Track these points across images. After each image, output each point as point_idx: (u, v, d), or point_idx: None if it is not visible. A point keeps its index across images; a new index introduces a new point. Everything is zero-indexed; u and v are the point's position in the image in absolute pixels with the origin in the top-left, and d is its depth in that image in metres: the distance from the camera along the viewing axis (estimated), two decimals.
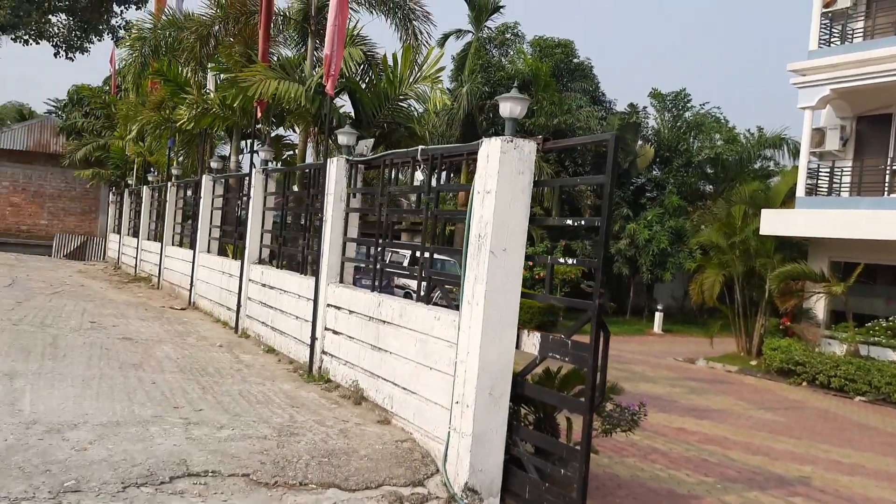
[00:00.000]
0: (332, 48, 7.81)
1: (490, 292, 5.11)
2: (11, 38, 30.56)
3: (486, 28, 31.80)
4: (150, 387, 6.79)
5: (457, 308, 6.03)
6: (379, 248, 7.19)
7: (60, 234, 28.01)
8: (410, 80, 9.44)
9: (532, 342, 5.25)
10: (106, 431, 5.30)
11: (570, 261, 5.60)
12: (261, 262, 10.64)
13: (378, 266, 7.20)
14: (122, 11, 31.10)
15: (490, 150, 5.22)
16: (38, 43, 29.11)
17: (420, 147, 6.37)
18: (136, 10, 30.27)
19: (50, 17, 28.89)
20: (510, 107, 5.32)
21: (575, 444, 5.50)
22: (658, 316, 26.70)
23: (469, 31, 31.37)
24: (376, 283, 7.18)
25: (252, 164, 10.77)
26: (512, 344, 5.23)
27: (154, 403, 6.22)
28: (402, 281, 16.88)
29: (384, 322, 6.62)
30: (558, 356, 5.06)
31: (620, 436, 6.94)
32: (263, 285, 10.02)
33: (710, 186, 33.79)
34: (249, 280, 10.53)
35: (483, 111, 27.82)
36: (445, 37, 29.99)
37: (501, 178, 5.12)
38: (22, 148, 27.96)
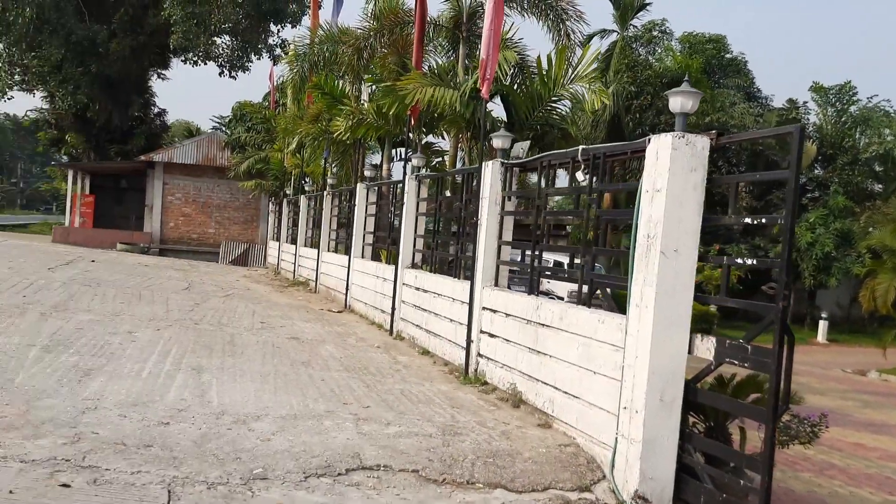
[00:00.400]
0: (488, 52, 7.89)
1: (660, 295, 4.95)
2: (182, 60, 33.44)
3: (631, 26, 31.12)
4: (320, 383, 7.12)
5: (607, 310, 5.91)
6: (536, 252, 7.17)
7: (226, 242, 30.12)
8: (564, 81, 9.38)
9: (706, 347, 5.03)
10: (285, 424, 5.60)
11: (749, 261, 5.32)
12: (414, 266, 10.91)
13: (534, 269, 7.18)
14: (278, 30, 33.22)
15: (660, 147, 5.07)
16: (205, 63, 31.66)
17: (580, 147, 6.28)
18: (292, 28, 32.22)
19: (215, 39, 31.29)
20: (681, 101, 5.14)
21: (752, 454, 5.22)
22: (822, 324, 24.94)
23: (614, 31, 30.81)
24: (533, 287, 7.16)
25: (405, 171, 11.08)
26: (684, 348, 5.04)
27: (325, 399, 6.51)
28: (546, 286, 16.74)
29: (543, 325, 6.58)
30: (736, 362, 4.81)
31: (793, 449, 6.52)
32: (417, 289, 10.26)
33: (880, 185, 31.22)
34: (403, 284, 10.81)
35: (629, 111, 27.18)
36: (589, 37, 29.52)
37: (672, 175, 4.95)
38: (192, 162, 30.36)
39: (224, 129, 37.96)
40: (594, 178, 6.08)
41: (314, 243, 19.01)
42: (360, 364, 8.41)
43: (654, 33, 32.46)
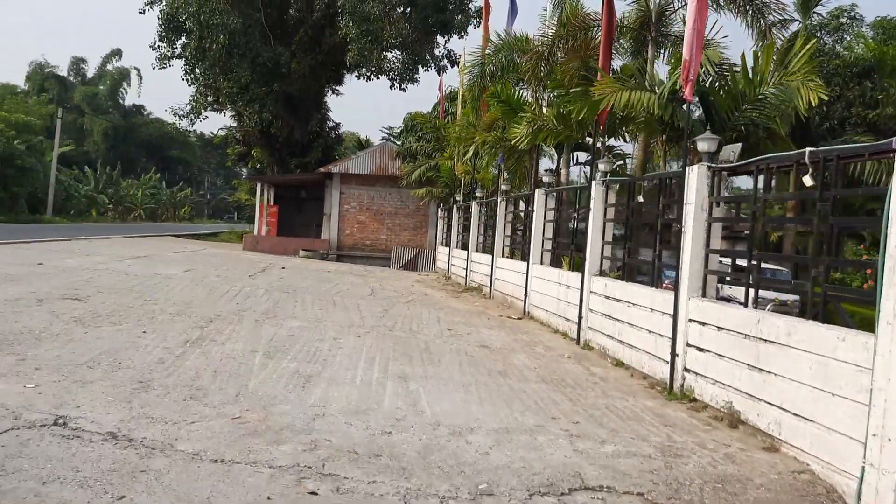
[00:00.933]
0: (691, 52, 7.54)
1: None
2: (356, 76, 35.06)
3: (814, 14, 28.82)
4: (522, 395, 7.09)
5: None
6: (754, 262, 6.73)
7: (396, 248, 31.19)
8: (771, 77, 8.76)
9: None
10: (499, 437, 5.60)
11: None
12: (601, 273, 10.65)
13: (753, 280, 6.74)
14: (445, 42, 33.99)
15: None
16: (377, 78, 32.96)
17: (808, 149, 5.81)
18: (459, 38, 32.87)
19: (386, 53, 32.51)
20: None
21: None
22: None
23: (795, 20, 28.68)
24: (750, 299, 6.73)
25: (591, 176, 10.86)
26: None
27: (532, 412, 6.46)
28: (727, 292, 15.77)
29: (765, 341, 6.14)
30: None
31: None
32: (607, 297, 10.00)
33: None
34: (591, 292, 10.59)
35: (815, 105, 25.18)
36: (767, 28, 27.70)
37: None
38: (366, 172, 31.73)
39: (393, 139, 39.40)
40: (832, 182, 5.59)
41: (486, 249, 19.17)
42: (555, 375, 8.30)
43: (843, 20, 29.87)
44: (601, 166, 10.63)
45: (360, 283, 18.33)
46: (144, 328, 8.44)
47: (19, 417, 4.91)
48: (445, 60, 34.30)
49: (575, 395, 7.38)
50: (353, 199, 31.73)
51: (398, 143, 34.34)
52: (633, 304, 9.10)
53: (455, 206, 24.39)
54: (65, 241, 23.30)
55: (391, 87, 33.32)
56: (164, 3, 33.37)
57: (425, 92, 41.70)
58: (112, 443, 4.65)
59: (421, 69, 34.23)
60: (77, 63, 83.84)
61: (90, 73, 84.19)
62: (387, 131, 42.94)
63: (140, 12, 34.82)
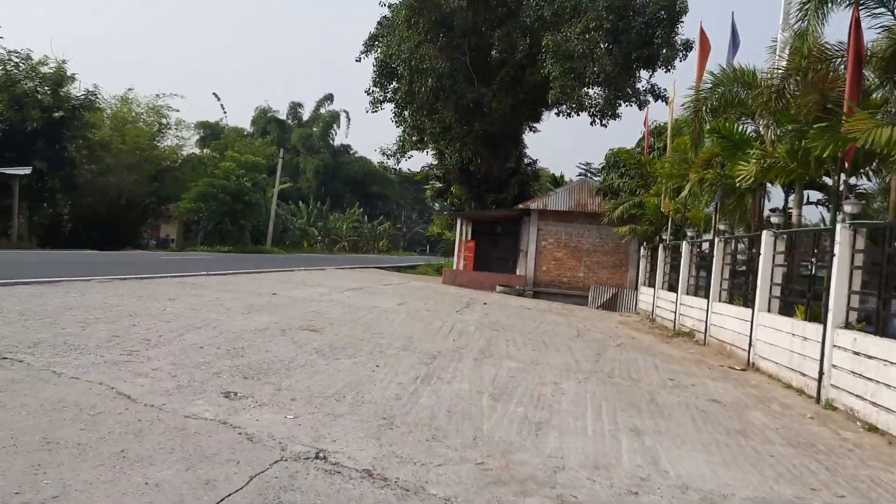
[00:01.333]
0: None
1: None
2: (555, 113, 35.22)
3: None
4: (770, 460, 6.50)
5: None
6: None
7: (594, 286, 30.57)
8: None
9: None
10: None
11: None
12: (847, 326, 9.64)
13: None
14: (649, 76, 33.18)
15: None
16: (578, 115, 32.86)
17: None
18: (665, 72, 32.00)
19: (587, 90, 32.37)
20: None
21: None
22: None
23: None
24: None
25: (833, 219, 9.92)
26: None
27: (786, 481, 5.88)
28: None
29: None
30: None
31: None
32: (856, 353, 9.00)
33: None
34: (834, 346, 9.61)
35: None
36: None
37: None
38: (563, 209, 31.54)
39: (591, 174, 38.99)
40: None
41: (699, 291, 18.18)
42: (801, 438, 7.55)
43: None
44: (847, 208, 9.69)
45: (563, 322, 18.09)
46: (377, 362, 8.81)
47: (285, 449, 5.23)
48: (649, 95, 33.51)
49: (830, 462, 6.65)
50: (551, 235, 31.63)
51: (597, 179, 33.86)
52: (891, 364, 8.10)
53: (661, 245, 23.47)
54: (289, 271, 25.29)
55: (591, 124, 33.02)
56: (378, 50, 35.72)
57: (621, 126, 41.02)
58: (370, 481, 4.80)
59: (623, 104, 33.66)
60: (294, 108, 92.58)
61: (305, 116, 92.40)
62: (584, 167, 42.70)
63: (356, 60, 37.61)
